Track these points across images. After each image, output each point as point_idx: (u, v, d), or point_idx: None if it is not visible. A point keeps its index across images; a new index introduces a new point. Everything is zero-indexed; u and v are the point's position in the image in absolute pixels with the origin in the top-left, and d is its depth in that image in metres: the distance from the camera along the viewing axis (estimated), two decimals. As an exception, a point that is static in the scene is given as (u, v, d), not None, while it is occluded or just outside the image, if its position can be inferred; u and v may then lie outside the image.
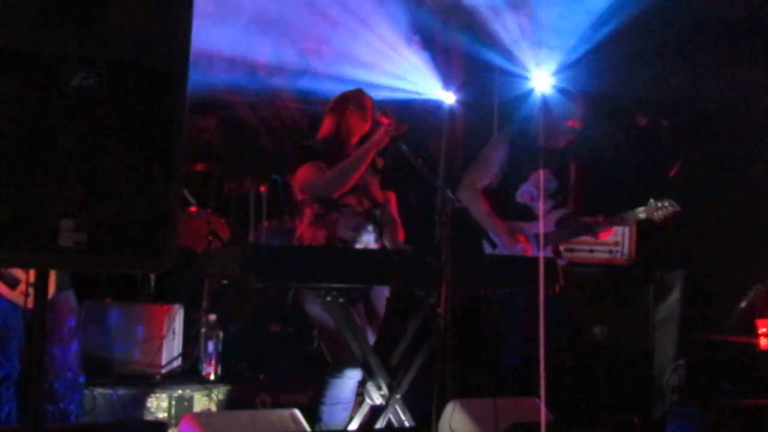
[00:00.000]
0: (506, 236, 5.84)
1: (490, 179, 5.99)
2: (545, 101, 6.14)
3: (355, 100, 5.28)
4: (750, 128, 7.64)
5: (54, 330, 4.68)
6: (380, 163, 5.28)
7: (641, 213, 5.85)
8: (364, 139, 5.18)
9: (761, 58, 7.51)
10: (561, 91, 6.14)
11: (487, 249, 5.72)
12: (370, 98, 5.32)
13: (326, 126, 5.33)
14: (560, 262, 5.80)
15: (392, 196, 5.36)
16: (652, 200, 5.81)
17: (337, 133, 5.26)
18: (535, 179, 5.92)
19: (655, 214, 5.80)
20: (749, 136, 7.60)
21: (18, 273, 4.47)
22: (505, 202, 5.96)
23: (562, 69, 7.51)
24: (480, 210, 5.84)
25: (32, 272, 4.46)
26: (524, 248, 5.83)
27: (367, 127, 5.21)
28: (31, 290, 4.50)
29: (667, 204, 5.80)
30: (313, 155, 5.12)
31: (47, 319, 4.67)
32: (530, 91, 7.59)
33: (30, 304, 4.48)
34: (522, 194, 5.96)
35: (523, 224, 5.94)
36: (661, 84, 7.72)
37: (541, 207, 5.67)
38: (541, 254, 5.75)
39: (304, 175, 5.09)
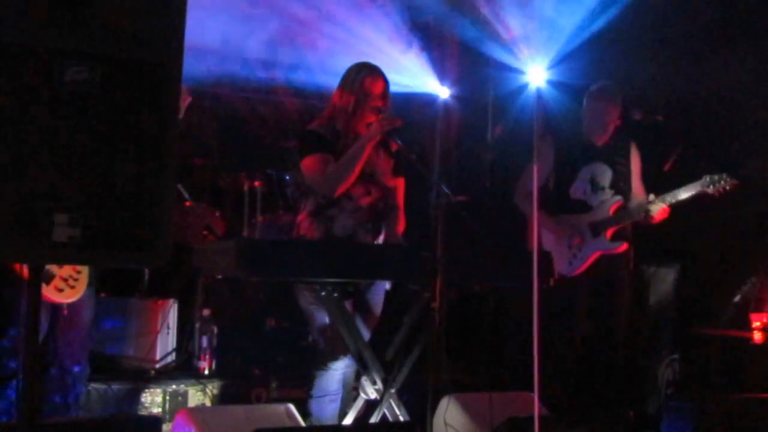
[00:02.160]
0: (558, 226, 6.16)
1: (543, 181, 6.21)
2: (586, 99, 6.31)
3: (364, 77, 5.18)
4: (745, 123, 7.64)
5: (78, 322, 4.73)
6: (394, 146, 5.20)
7: (693, 188, 5.90)
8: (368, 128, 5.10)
9: (756, 51, 7.51)
10: (600, 89, 6.24)
11: (547, 243, 6.08)
12: (381, 75, 5.22)
13: (334, 102, 5.23)
14: (618, 247, 6.09)
15: (401, 183, 5.32)
16: (707, 176, 5.88)
17: (345, 111, 5.17)
18: (585, 174, 6.17)
19: (710, 188, 5.86)
20: (744, 130, 7.61)
21: (52, 268, 4.49)
22: (561, 200, 6.20)
23: (557, 63, 7.51)
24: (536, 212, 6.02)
25: (66, 267, 4.51)
26: (577, 240, 6.11)
27: (379, 103, 5.12)
28: (63, 285, 4.55)
29: (725, 177, 5.86)
30: (320, 142, 5.06)
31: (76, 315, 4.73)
32: (525, 86, 7.60)
33: (60, 299, 4.55)
34: (575, 190, 6.19)
35: (576, 216, 6.16)
36: (656, 78, 7.72)
37: (535, 193, 5.67)
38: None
39: (308, 169, 5.06)
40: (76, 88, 2.58)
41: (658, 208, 5.97)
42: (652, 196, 6.04)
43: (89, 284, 4.71)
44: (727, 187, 5.88)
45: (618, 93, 6.27)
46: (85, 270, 4.65)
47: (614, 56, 7.65)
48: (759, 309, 6.71)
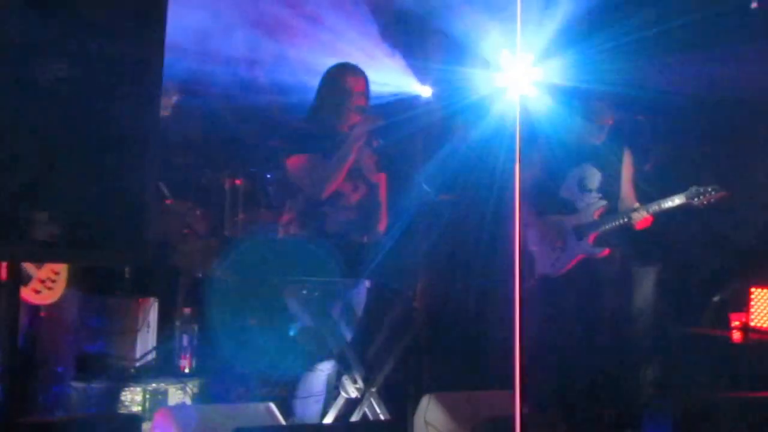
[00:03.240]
0: (544, 226, 6.18)
1: (531, 183, 6.15)
2: (575, 100, 6.32)
3: (346, 77, 5.19)
4: (725, 123, 7.67)
5: (59, 324, 4.71)
6: (376, 143, 5.21)
7: (679, 199, 5.92)
8: (352, 127, 5.10)
9: (737, 52, 7.53)
10: (589, 90, 6.27)
11: (531, 244, 6.12)
12: (362, 75, 5.23)
13: (317, 102, 5.24)
14: (600, 253, 6.11)
15: (383, 179, 5.32)
16: (693, 187, 5.90)
17: (327, 110, 5.17)
18: (575, 175, 6.21)
19: (695, 200, 5.88)
20: (724, 130, 7.63)
21: (30, 270, 4.46)
22: (549, 199, 6.23)
23: (540, 62, 7.50)
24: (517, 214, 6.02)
25: (45, 268, 4.48)
26: (560, 242, 6.13)
27: (362, 102, 5.14)
28: (41, 287, 4.52)
29: (710, 189, 5.88)
30: (305, 141, 5.06)
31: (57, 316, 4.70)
32: (508, 85, 7.59)
33: (37, 300, 4.52)
34: (564, 190, 6.24)
35: (562, 217, 6.19)
36: (637, 78, 7.74)
37: (516, 195, 5.67)
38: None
39: (295, 168, 5.07)
40: (56, 83, 2.57)
41: (641, 217, 6.00)
42: (636, 204, 6.08)
43: (70, 285, 4.68)
44: (713, 200, 5.91)
45: (606, 92, 6.31)
46: (63, 271, 4.63)
47: (596, 56, 7.66)
48: (739, 309, 6.73)
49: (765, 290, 6.67)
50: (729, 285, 7.00)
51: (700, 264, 7.40)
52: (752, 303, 6.70)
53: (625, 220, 6.04)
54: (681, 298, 7.29)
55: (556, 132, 6.41)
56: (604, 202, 6.15)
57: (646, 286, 7.08)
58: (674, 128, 7.41)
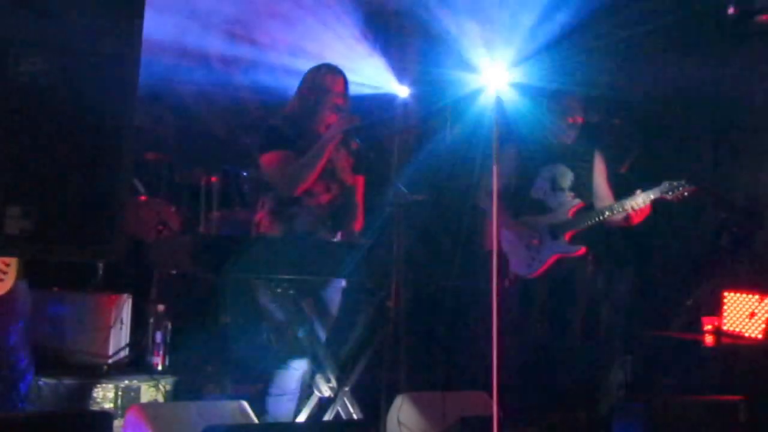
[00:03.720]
0: (519, 227, 6.14)
1: (505, 182, 6.12)
2: (547, 100, 6.33)
3: (324, 75, 5.19)
4: (699, 124, 7.72)
5: (14, 318, 4.66)
6: (354, 145, 5.20)
7: (653, 194, 5.94)
8: (328, 126, 5.09)
9: (714, 54, 7.58)
10: (560, 89, 6.28)
11: (506, 245, 6.09)
12: (341, 74, 5.23)
13: (295, 100, 5.23)
14: (576, 251, 6.10)
15: (361, 181, 5.31)
16: (666, 182, 5.92)
17: (305, 108, 5.17)
18: (546, 174, 6.17)
19: (669, 194, 5.91)
20: (700, 134, 7.69)
21: None
22: (521, 200, 6.20)
23: (517, 64, 7.53)
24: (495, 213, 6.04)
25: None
26: (536, 241, 6.09)
27: (340, 101, 5.13)
28: None
29: (683, 183, 5.91)
30: (280, 138, 5.05)
31: (8, 308, 4.66)
32: (484, 86, 7.61)
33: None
34: (536, 190, 6.19)
35: (536, 217, 6.15)
36: (613, 81, 7.78)
37: (495, 195, 5.69)
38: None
39: (268, 165, 5.05)
40: (31, 79, 2.55)
41: (637, 206, 6.00)
42: (608, 208, 6.10)
43: (20, 277, 4.64)
44: (686, 194, 5.93)
45: (576, 91, 6.34)
46: (13, 263, 4.58)
47: (571, 58, 7.69)
48: (711, 312, 6.77)
49: (737, 294, 6.72)
50: (702, 289, 7.05)
51: (673, 267, 7.45)
52: (725, 307, 6.74)
53: (601, 217, 6.05)
54: (653, 301, 7.33)
55: (526, 131, 6.43)
56: (578, 201, 6.16)
57: (618, 288, 7.12)
58: (650, 130, 7.45)
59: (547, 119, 6.26)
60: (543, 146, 6.25)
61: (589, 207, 6.19)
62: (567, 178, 6.18)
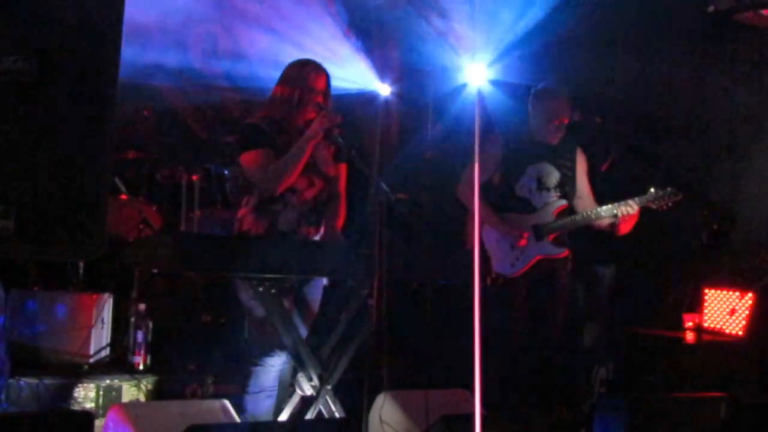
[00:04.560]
0: (502, 226, 6.11)
1: (488, 176, 6.18)
2: (532, 99, 6.33)
3: (309, 72, 5.16)
4: (680, 124, 7.75)
5: None
6: (336, 131, 5.14)
7: (639, 203, 5.95)
8: (308, 123, 5.06)
9: (694, 55, 7.62)
10: (547, 89, 6.27)
11: (490, 242, 6.11)
12: (324, 72, 5.20)
13: (276, 94, 5.20)
14: (560, 253, 6.12)
15: (343, 169, 5.28)
16: (652, 189, 5.94)
17: (286, 104, 5.14)
18: (532, 173, 6.17)
19: (654, 203, 5.92)
20: (680, 132, 7.71)
21: None
22: (505, 197, 6.19)
23: (497, 62, 7.54)
24: (479, 205, 6.03)
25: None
26: (520, 236, 6.07)
27: (321, 99, 5.10)
28: None
29: (669, 192, 5.93)
30: (260, 137, 5.03)
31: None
32: (465, 85, 7.63)
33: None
34: (521, 188, 6.17)
35: (521, 216, 6.15)
36: (594, 79, 7.80)
37: (476, 192, 5.70)
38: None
39: (249, 164, 5.02)
40: (12, 77, 2.54)
41: (627, 212, 6.00)
42: (594, 205, 6.12)
43: None
44: (670, 203, 5.95)
45: (563, 91, 6.32)
46: None
47: (554, 56, 7.71)
48: (692, 309, 6.80)
49: (718, 291, 6.75)
50: (682, 286, 7.07)
51: (654, 265, 7.47)
52: (705, 304, 6.77)
53: (586, 220, 6.06)
54: (635, 299, 7.35)
55: (511, 128, 6.43)
56: (563, 202, 6.17)
57: (599, 286, 7.13)
58: (630, 129, 7.47)
59: (532, 121, 6.27)
60: (529, 144, 6.25)
61: (572, 207, 6.20)
62: (553, 177, 6.19)
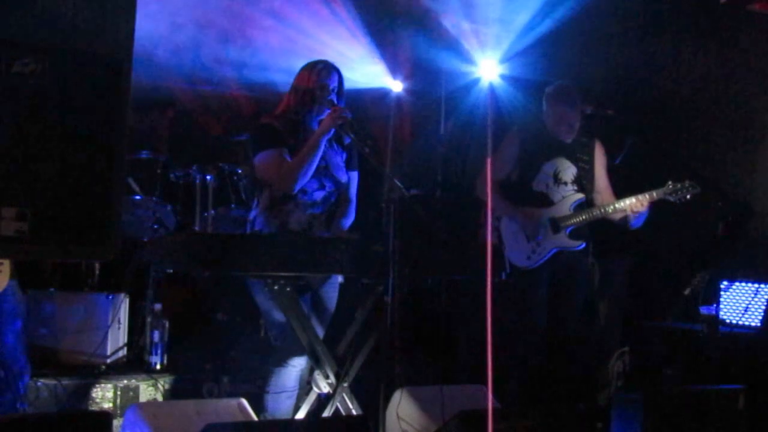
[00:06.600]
0: (522, 216, 6.16)
1: (506, 173, 6.26)
2: (546, 98, 6.35)
3: (320, 71, 5.16)
4: (695, 117, 7.72)
5: (9, 318, 4.65)
6: (348, 128, 5.15)
7: (657, 195, 5.95)
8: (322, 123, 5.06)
9: (708, 46, 7.58)
10: (560, 88, 6.27)
11: (507, 236, 6.18)
12: (336, 70, 5.20)
13: (290, 96, 5.20)
14: (576, 246, 6.15)
15: (354, 177, 5.30)
16: (670, 182, 5.94)
17: (299, 104, 5.14)
18: (548, 169, 6.20)
19: (672, 196, 5.93)
20: (694, 125, 7.69)
21: None
22: (523, 193, 6.22)
23: (509, 58, 7.54)
24: (496, 199, 6.15)
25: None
26: (540, 237, 6.12)
27: (334, 97, 5.11)
28: None
29: (687, 185, 5.93)
30: (274, 136, 5.03)
31: (3, 309, 4.65)
32: (477, 80, 7.63)
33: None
34: (538, 184, 6.20)
35: (538, 210, 6.18)
36: (606, 72, 7.78)
37: (489, 187, 5.69)
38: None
39: (262, 163, 5.03)
40: (24, 79, 2.54)
41: (621, 213, 6.02)
42: (613, 198, 6.13)
43: (13, 277, 4.64)
44: (688, 196, 5.95)
45: (576, 91, 6.32)
46: (6, 264, 4.57)
47: (566, 50, 7.69)
48: (708, 301, 6.77)
49: (735, 283, 6.72)
50: (699, 278, 7.04)
51: (670, 257, 7.45)
52: (722, 296, 6.74)
53: (604, 213, 6.07)
54: (651, 292, 7.33)
55: (527, 126, 6.44)
56: (580, 195, 6.17)
57: (616, 279, 7.12)
58: (644, 121, 7.44)
59: (547, 119, 6.29)
60: (544, 141, 6.26)
61: (589, 201, 6.20)
62: (569, 172, 6.20)
